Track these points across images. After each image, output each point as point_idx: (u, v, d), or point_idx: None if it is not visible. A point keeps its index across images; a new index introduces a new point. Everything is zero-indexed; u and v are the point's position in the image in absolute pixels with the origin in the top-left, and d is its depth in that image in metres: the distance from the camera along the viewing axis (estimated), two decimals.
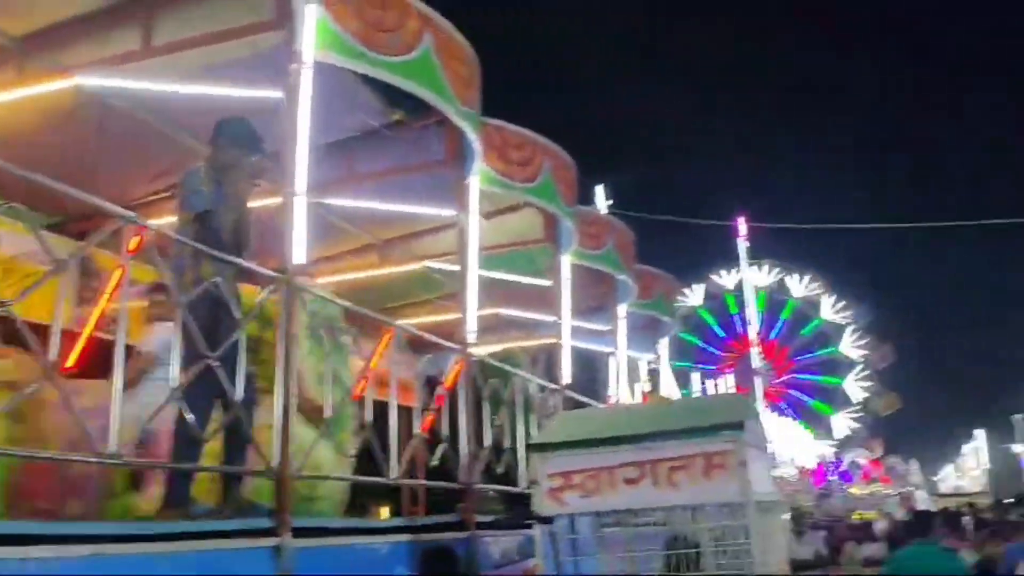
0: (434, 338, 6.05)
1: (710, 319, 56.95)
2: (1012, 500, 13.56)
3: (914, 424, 58.58)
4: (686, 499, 4.43)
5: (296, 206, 4.39)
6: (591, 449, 4.54)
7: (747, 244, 52.34)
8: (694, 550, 4.62)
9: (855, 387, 53.81)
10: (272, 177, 4.83)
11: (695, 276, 55.29)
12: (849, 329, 54.32)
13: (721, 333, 56.68)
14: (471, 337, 6.17)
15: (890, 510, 29.82)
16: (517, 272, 8.78)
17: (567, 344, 8.41)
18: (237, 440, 4.18)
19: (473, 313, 6.27)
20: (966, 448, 54.06)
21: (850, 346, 54.22)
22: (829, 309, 55.04)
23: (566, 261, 8.33)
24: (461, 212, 6.31)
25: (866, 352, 53.40)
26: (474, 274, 6.40)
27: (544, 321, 9.57)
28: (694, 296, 55.64)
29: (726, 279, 56.22)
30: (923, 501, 37.53)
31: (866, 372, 53.36)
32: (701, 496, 4.40)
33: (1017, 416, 45.56)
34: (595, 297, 9.98)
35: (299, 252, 4.30)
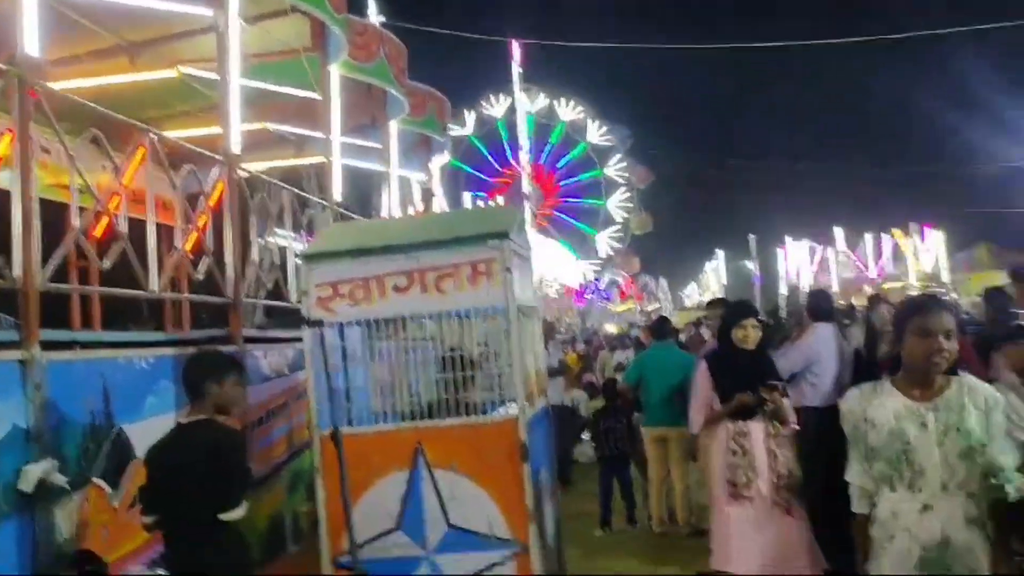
0: (196, 148, 5.72)
1: (481, 147, 57.56)
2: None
3: (666, 245, 63.16)
4: (453, 305, 4.62)
5: None
6: (360, 259, 4.59)
7: (520, 69, 52.59)
8: (464, 353, 4.87)
9: (616, 209, 57.26)
10: None
11: (467, 102, 55.25)
12: (615, 156, 57.11)
13: (492, 161, 57.60)
14: (235, 149, 5.88)
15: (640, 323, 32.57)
16: (285, 84, 8.34)
17: (337, 161, 8.24)
18: None
19: (236, 125, 5.95)
20: (708, 266, 59.17)
21: (613, 170, 57.22)
22: (595, 133, 57.34)
23: (335, 72, 8.02)
24: (219, 12, 5.84)
25: (627, 175, 56.67)
26: (236, 83, 6.01)
27: (314, 137, 9.28)
28: (466, 125, 55.79)
29: (496, 108, 56.76)
30: (669, 315, 41.20)
31: (628, 194, 56.75)
32: (468, 302, 4.60)
33: (752, 236, 49.99)
34: (365, 113, 9.74)
35: (31, 43, 3.84)
